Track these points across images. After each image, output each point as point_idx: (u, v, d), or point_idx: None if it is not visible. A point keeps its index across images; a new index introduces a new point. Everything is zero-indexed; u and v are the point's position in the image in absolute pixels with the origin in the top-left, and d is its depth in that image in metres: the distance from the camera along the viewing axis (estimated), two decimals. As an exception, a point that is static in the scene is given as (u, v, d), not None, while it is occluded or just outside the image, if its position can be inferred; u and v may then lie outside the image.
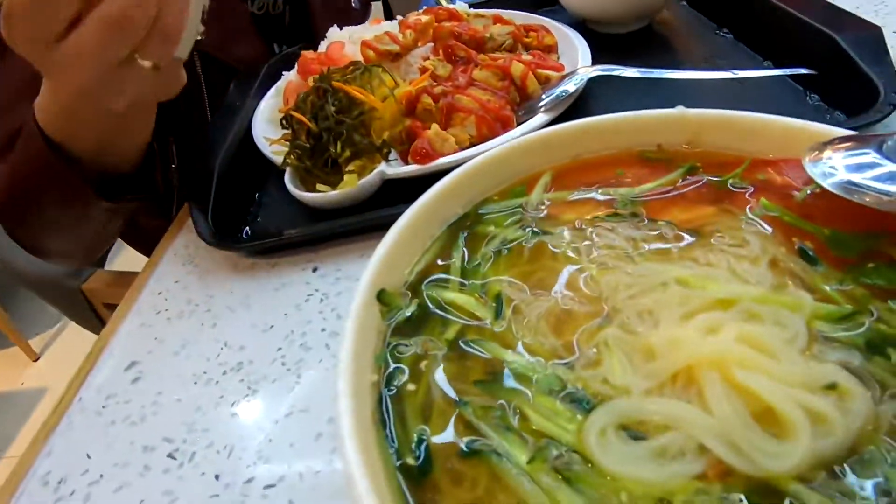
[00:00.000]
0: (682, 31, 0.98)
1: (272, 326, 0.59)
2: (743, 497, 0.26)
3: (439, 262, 0.43)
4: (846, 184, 0.37)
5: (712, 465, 0.27)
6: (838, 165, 0.38)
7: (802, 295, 0.34)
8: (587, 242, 0.42)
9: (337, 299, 0.61)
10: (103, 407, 0.55)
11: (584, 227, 0.43)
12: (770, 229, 0.40)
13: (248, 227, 0.75)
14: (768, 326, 0.32)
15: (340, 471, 0.44)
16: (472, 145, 0.70)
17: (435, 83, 0.74)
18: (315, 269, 0.66)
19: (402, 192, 0.67)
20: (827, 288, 0.34)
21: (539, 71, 0.78)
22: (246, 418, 0.51)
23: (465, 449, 0.31)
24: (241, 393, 0.53)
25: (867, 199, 0.36)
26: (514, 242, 0.43)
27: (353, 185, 0.64)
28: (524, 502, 0.28)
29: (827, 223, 0.38)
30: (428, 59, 0.83)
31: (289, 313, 0.61)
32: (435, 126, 0.68)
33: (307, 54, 0.89)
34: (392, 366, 0.36)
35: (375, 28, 0.99)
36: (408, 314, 0.40)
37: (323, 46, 0.96)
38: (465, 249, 0.44)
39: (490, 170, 0.48)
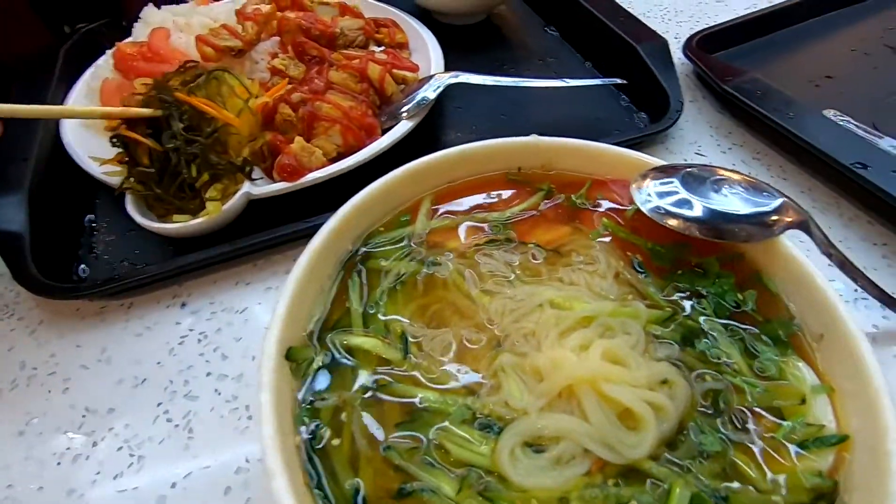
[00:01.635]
0: (516, 27, 1.06)
1: (145, 380, 0.54)
2: (619, 481, 0.35)
3: (340, 305, 0.44)
4: (656, 209, 0.47)
5: (594, 461, 0.35)
6: (652, 193, 0.49)
7: (638, 305, 0.43)
8: (471, 270, 0.47)
9: (218, 337, 0.57)
10: (-70, 518, 0.46)
11: (467, 254, 0.48)
12: (610, 244, 0.49)
13: (82, 264, 0.64)
14: (619, 336, 0.41)
15: (260, 521, 0.44)
16: (339, 155, 0.69)
17: (290, 86, 0.71)
18: (184, 305, 0.60)
19: (265, 209, 0.64)
20: (654, 294, 0.45)
21: (395, 72, 0.79)
22: (136, 490, 0.47)
23: (400, 492, 0.35)
24: (123, 463, 0.49)
25: (670, 223, 0.47)
26: (407, 275, 0.46)
27: (216, 212, 0.59)
28: (459, 528, 0.33)
29: (649, 237, 0.49)
30: (276, 56, 0.78)
31: (162, 361, 0.55)
32: (299, 139, 0.66)
33: (124, 47, 0.76)
34: (312, 424, 0.38)
35: (203, 10, 0.88)
36: (317, 366, 0.41)
37: (141, 32, 0.82)
38: (361, 286, 0.46)
39: (376, 202, 0.49)
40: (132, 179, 0.61)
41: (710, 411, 0.38)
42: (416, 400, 0.39)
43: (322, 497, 0.34)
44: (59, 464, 0.48)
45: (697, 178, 0.47)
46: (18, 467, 0.48)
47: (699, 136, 0.78)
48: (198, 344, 0.57)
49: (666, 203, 0.47)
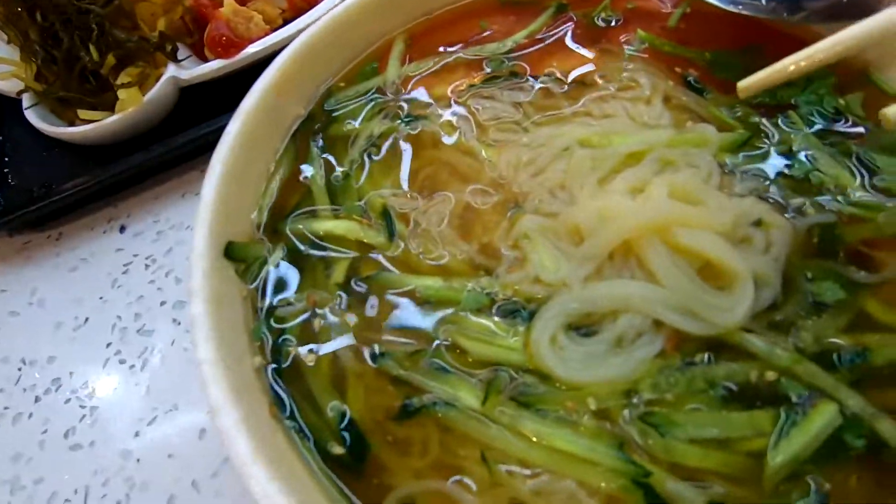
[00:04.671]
0: None
1: (87, 320, 0.44)
2: (707, 356, 0.25)
3: (298, 186, 0.33)
4: (724, -5, 0.34)
5: (669, 338, 0.25)
6: (712, -23, 0.35)
7: (706, 128, 0.31)
8: (468, 118, 0.34)
9: (168, 259, 0.47)
10: None
11: (460, 100, 0.35)
12: (650, 62, 0.36)
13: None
14: (684, 170, 0.29)
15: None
16: (286, 22, 0.54)
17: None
18: (123, 229, 0.49)
19: (202, 98, 0.51)
20: (723, 115, 0.32)
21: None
22: (92, 445, 0.38)
23: (403, 410, 0.25)
24: (72, 417, 0.40)
25: (740, 8, 0.34)
26: (384, 138, 0.34)
27: (136, 102, 0.46)
28: (489, 447, 0.24)
29: (706, 46, 0.36)
30: None
31: (105, 296, 0.45)
32: (230, 2, 0.50)
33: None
34: (275, 338, 0.28)
35: None
36: (274, 264, 0.30)
37: None
38: (323, 159, 0.34)
39: (326, 47, 0.36)
40: (40, 79, 0.47)
41: (819, 253, 0.27)
42: (414, 290, 0.28)
43: (296, 429, 0.25)
44: (-5, 427, 0.40)
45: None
46: (-51, 437, 0.40)
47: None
48: (145, 270, 0.46)
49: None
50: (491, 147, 0.33)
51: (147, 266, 0.47)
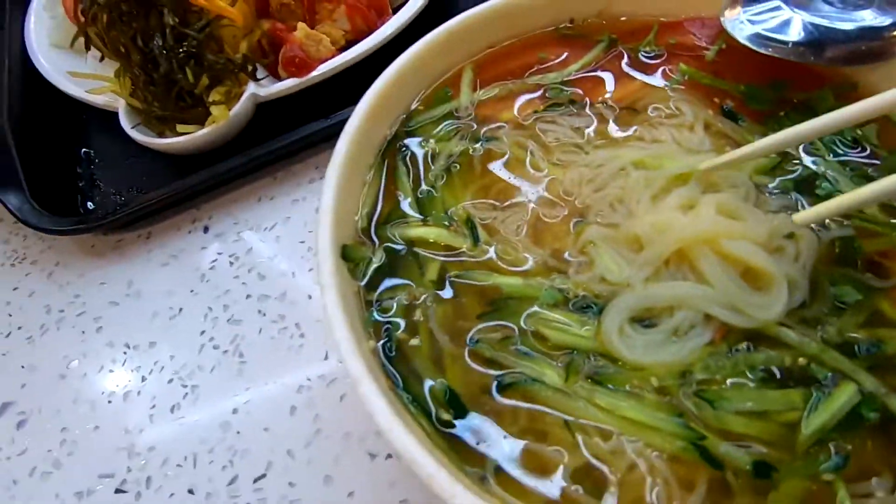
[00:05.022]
0: None
1: (181, 310, 0.50)
2: (749, 345, 0.30)
3: (390, 196, 0.38)
4: (755, 36, 0.39)
5: (717, 329, 0.30)
6: (745, 19, 0.40)
7: (742, 154, 0.36)
8: (535, 140, 0.40)
9: (250, 257, 0.52)
10: (-10, 469, 0.43)
11: (526, 123, 0.41)
12: (691, 93, 0.41)
13: (87, 201, 0.58)
14: (727, 190, 0.34)
15: (327, 434, 0.42)
16: (349, 42, 0.60)
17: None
18: (206, 229, 0.55)
19: (273, 113, 0.56)
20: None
21: (397, -61, 0.67)
22: (197, 419, 0.44)
23: (497, 385, 0.30)
24: (177, 394, 0.45)
25: (769, 50, 0.39)
26: (461, 156, 0.40)
27: (224, 117, 0.51)
28: (572, 416, 0.29)
29: (739, 79, 0.41)
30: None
31: (195, 289, 0.51)
32: (302, 26, 0.56)
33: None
34: (384, 326, 0.33)
35: None
36: (378, 265, 0.35)
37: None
38: (409, 173, 0.39)
39: (407, 76, 0.41)
40: (141, 97, 0.52)
41: (840, 261, 0.33)
42: (499, 287, 0.33)
43: (411, 400, 0.30)
44: (110, 402, 0.45)
45: (807, -7, 0.38)
46: (68, 410, 0.45)
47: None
48: (230, 267, 0.52)
49: (764, 28, 0.38)
50: (556, 166, 0.38)
51: (231, 263, 0.52)
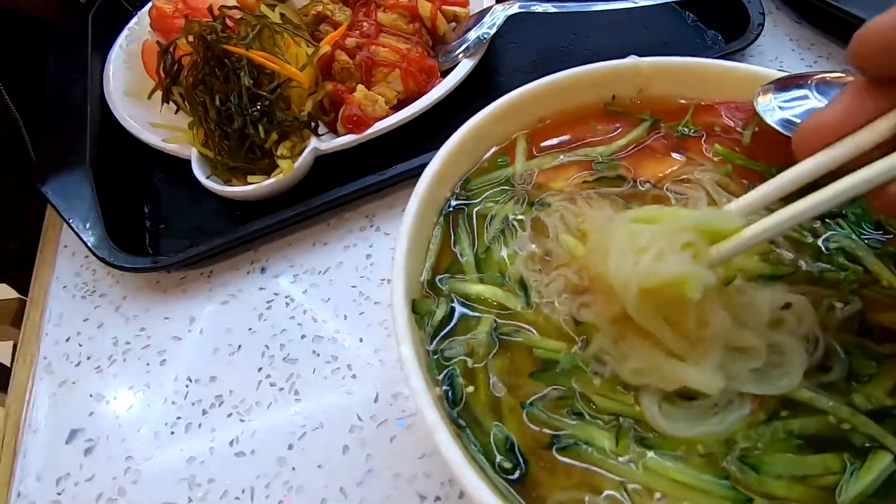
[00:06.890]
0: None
1: (240, 347, 0.53)
2: (785, 412, 0.33)
3: (450, 253, 0.42)
4: (784, 122, 0.43)
5: (754, 399, 0.33)
6: (775, 105, 0.44)
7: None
8: (585, 209, 0.44)
9: (305, 299, 0.56)
10: (59, 494, 0.46)
11: (575, 195, 0.45)
12: (726, 173, 0.45)
13: (149, 236, 0.62)
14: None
15: (378, 473, 0.44)
16: (401, 101, 0.65)
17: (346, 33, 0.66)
18: (263, 270, 0.59)
19: (329, 165, 0.61)
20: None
21: (445, 8, 0.74)
22: (253, 453, 0.47)
23: (553, 444, 0.33)
24: (234, 429, 0.48)
25: (799, 136, 0.43)
26: (515, 220, 0.44)
27: (290, 171, 0.56)
28: (623, 477, 0.32)
29: (771, 161, 0.45)
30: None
31: (253, 327, 0.54)
32: (362, 88, 0.62)
33: (161, 5, 0.72)
34: (447, 375, 0.36)
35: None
36: (441, 316, 0.39)
37: (169, -12, 0.77)
38: (468, 233, 0.43)
39: (468, 145, 0.46)
40: (215, 150, 0.57)
41: (853, 331, 0.35)
42: (544, 348, 0.37)
43: (478, 449, 0.33)
44: (172, 433, 0.48)
45: (833, 87, 0.43)
46: (133, 439, 0.48)
47: (780, 52, 0.72)
48: (286, 308, 0.55)
49: (792, 114, 0.43)
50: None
51: (287, 304, 0.56)
